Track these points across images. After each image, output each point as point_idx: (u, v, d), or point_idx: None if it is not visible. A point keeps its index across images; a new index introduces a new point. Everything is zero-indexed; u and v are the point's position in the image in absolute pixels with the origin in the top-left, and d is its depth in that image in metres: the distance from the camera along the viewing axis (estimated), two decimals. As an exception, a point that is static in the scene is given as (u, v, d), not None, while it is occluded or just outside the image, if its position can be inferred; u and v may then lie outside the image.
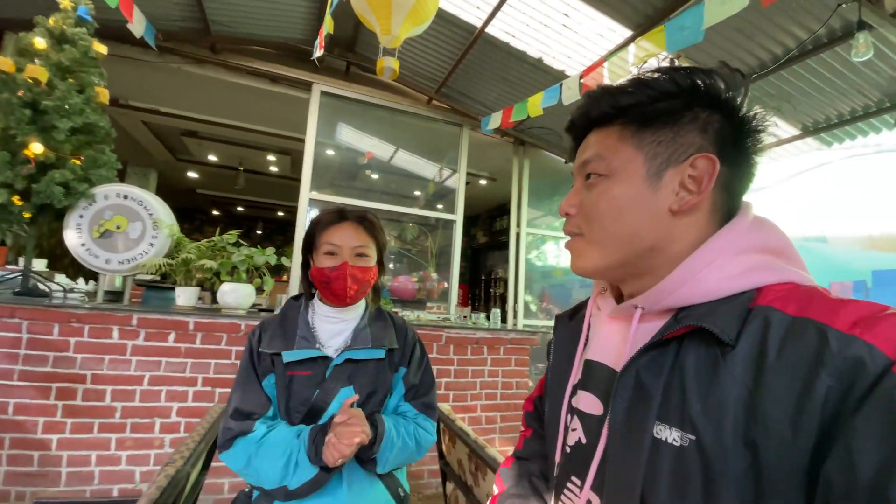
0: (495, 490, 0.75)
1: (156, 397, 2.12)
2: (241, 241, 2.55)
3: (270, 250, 2.51)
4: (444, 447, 1.42)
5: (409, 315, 3.12)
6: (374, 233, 1.13)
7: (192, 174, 6.69)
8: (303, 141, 3.40)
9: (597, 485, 0.50)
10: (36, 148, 2.03)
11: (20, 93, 2.04)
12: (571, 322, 0.69)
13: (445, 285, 3.83)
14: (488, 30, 2.88)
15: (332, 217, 1.10)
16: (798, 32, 2.34)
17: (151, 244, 2.33)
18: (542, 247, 4.94)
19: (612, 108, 0.53)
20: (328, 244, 1.07)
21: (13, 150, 2.03)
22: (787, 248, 0.50)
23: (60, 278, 2.55)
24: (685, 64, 0.52)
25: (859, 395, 0.34)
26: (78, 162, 2.18)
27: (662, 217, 0.50)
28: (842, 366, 0.35)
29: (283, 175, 6.40)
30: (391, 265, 4.12)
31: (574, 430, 0.58)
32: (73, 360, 2.02)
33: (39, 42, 2.14)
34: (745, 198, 0.53)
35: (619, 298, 0.60)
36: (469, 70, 3.35)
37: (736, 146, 0.50)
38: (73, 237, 2.21)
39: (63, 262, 2.83)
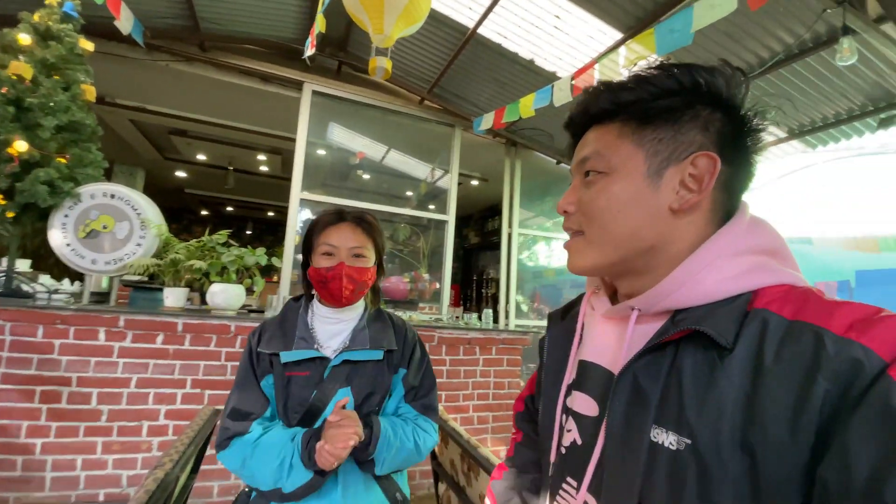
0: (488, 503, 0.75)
1: (143, 400, 2.09)
2: (231, 242, 2.53)
3: (261, 250, 2.49)
4: (436, 448, 1.42)
5: (401, 316, 3.11)
6: (373, 234, 1.12)
7: (180, 173, 6.61)
8: (293, 140, 3.38)
9: (594, 486, 0.50)
10: (20, 146, 1.99)
11: (3, 90, 2.00)
12: (564, 320, 0.68)
13: (437, 286, 3.84)
14: (480, 31, 2.89)
15: (331, 218, 1.10)
16: (785, 37, 2.38)
17: (139, 244, 2.29)
18: (533, 247, 4.96)
19: (613, 105, 0.52)
20: (325, 245, 1.07)
21: (-4, 148, 1.99)
22: (782, 249, 0.50)
23: (45, 279, 2.50)
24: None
25: (855, 397, 0.34)
26: (63, 160, 2.14)
27: (662, 216, 0.49)
28: (838, 369, 0.35)
29: (273, 175, 6.35)
30: (383, 266, 4.10)
31: (569, 430, 0.57)
32: (58, 362, 1.98)
33: (24, 38, 2.10)
34: (743, 197, 0.53)
35: (613, 297, 0.60)
36: (461, 71, 3.35)
37: (736, 145, 0.50)
38: (58, 237, 2.17)
39: (48, 262, 2.77)
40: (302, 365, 1.05)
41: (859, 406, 0.34)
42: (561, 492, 0.57)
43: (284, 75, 3.36)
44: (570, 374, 0.61)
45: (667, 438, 0.43)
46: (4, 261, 2.28)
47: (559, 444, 0.59)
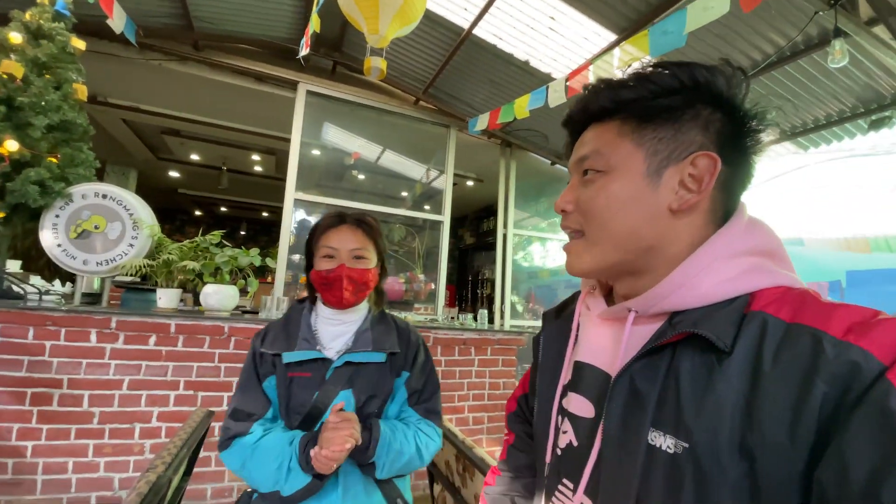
0: None
1: (136, 402, 2.07)
2: (225, 242, 2.51)
3: (255, 251, 2.48)
4: (431, 448, 1.42)
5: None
6: (373, 236, 1.13)
7: (173, 174, 6.56)
8: (288, 141, 3.36)
9: (590, 489, 0.50)
10: (10, 146, 1.97)
11: (-7, 88, 1.97)
12: (559, 320, 0.68)
13: (433, 286, 3.83)
14: (475, 31, 2.89)
15: (331, 221, 1.12)
16: (777, 39, 2.41)
17: (131, 245, 2.27)
18: (528, 248, 4.97)
19: (612, 103, 0.52)
20: (326, 247, 1.09)
21: (-14, 148, 1.97)
22: (779, 250, 0.50)
23: (35, 280, 2.47)
24: None
25: (853, 399, 0.34)
26: (54, 160, 2.12)
27: (662, 216, 0.49)
28: (837, 372, 0.35)
29: (267, 175, 6.32)
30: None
31: (565, 432, 0.57)
32: (49, 364, 1.96)
33: (15, 37, 2.07)
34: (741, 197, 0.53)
35: (608, 296, 0.60)
36: (456, 71, 3.35)
37: (736, 145, 0.49)
38: (49, 237, 2.15)
39: (38, 263, 2.74)
40: (304, 366, 1.05)
41: (857, 408, 0.34)
42: (557, 493, 0.56)
43: (279, 75, 3.34)
44: (565, 375, 0.60)
45: (664, 442, 0.43)
46: (-6, 261, 2.25)
47: (555, 446, 0.59)
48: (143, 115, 4.12)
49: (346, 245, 1.08)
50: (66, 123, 2.17)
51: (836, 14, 2.13)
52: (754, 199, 0.54)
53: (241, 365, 2.24)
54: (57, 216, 2.16)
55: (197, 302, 2.49)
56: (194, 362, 2.17)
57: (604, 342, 0.56)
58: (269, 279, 4.30)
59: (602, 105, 0.53)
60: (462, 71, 3.34)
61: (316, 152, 3.67)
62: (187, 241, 2.43)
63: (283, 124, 3.56)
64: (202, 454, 2.06)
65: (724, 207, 0.51)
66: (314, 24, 2.12)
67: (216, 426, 2.16)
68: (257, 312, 2.62)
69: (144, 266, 2.25)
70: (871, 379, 0.34)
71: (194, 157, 5.77)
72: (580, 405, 0.56)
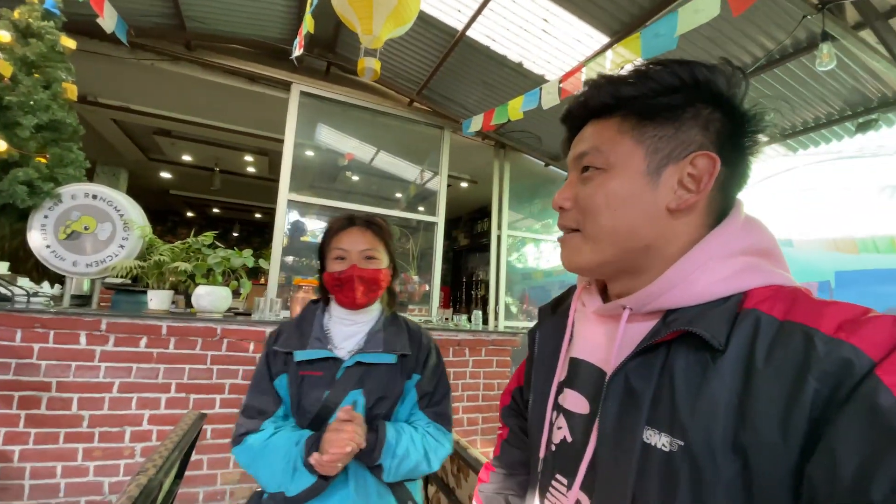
0: None
1: (126, 405, 2.04)
2: (217, 243, 2.49)
3: (248, 252, 2.46)
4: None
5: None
6: (383, 236, 1.15)
7: (165, 174, 6.50)
8: (281, 141, 3.35)
9: (586, 485, 0.50)
10: (-2, 145, 1.94)
11: (-19, 87, 1.95)
12: (554, 315, 0.68)
13: (427, 287, 3.83)
14: (469, 33, 2.90)
15: (341, 223, 1.14)
16: (766, 42, 2.44)
17: (122, 246, 2.25)
18: (522, 249, 4.98)
19: (613, 99, 0.51)
20: (337, 249, 1.11)
21: (-27, 148, 1.94)
22: (774, 249, 0.50)
23: (23, 282, 2.43)
24: None
25: (843, 396, 0.35)
26: (43, 160, 2.09)
27: (660, 215, 0.49)
28: (828, 369, 0.36)
29: (260, 176, 6.28)
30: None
31: (559, 428, 0.57)
32: (37, 367, 1.93)
33: (3, 35, 2.05)
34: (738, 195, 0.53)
35: (604, 292, 0.60)
36: (450, 73, 3.36)
37: (734, 146, 0.49)
38: (38, 238, 2.12)
39: (26, 264, 2.70)
40: (315, 365, 1.06)
41: (847, 405, 0.34)
42: (551, 489, 0.56)
43: (272, 76, 3.33)
44: (560, 372, 0.60)
45: (659, 440, 0.43)
46: (-19, 263, 2.22)
47: (549, 441, 0.59)
48: (134, 115, 4.08)
49: (356, 246, 1.10)
50: (55, 123, 2.14)
51: (824, 18, 2.16)
52: (744, 201, 0.54)
53: (233, 367, 2.24)
54: (46, 217, 2.14)
55: (189, 304, 2.47)
56: (186, 364, 2.15)
57: (599, 339, 0.56)
58: (263, 281, 4.27)
59: (602, 101, 0.52)
60: (456, 72, 3.35)
61: (309, 153, 3.66)
62: (179, 242, 2.41)
63: (277, 125, 3.54)
64: (194, 457, 2.04)
65: (721, 207, 0.51)
66: (308, 24, 2.12)
67: (208, 429, 2.16)
68: (250, 314, 2.60)
69: (135, 267, 2.22)
70: (861, 375, 0.34)
71: (186, 157, 5.72)
72: (575, 401, 0.56)
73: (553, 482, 0.56)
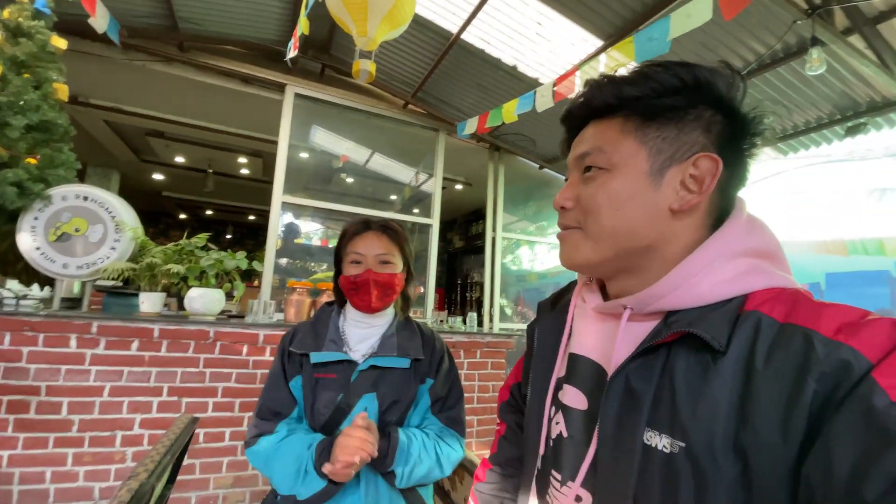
0: None
1: (117, 409, 2.02)
2: (210, 245, 2.47)
3: (241, 254, 2.44)
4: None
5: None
6: (399, 241, 1.15)
7: (157, 176, 6.45)
8: (275, 143, 3.33)
9: (587, 483, 0.50)
10: (-13, 146, 1.92)
11: (-30, 87, 1.92)
12: (554, 311, 0.68)
13: (422, 290, 3.82)
14: (464, 36, 2.91)
15: (357, 228, 1.15)
16: (757, 47, 2.47)
17: (113, 248, 2.22)
18: (517, 251, 5.00)
19: (616, 99, 0.51)
20: (353, 253, 1.11)
21: (-39, 148, 1.91)
22: (777, 251, 0.50)
23: (13, 284, 2.40)
24: None
25: (840, 397, 0.35)
26: (33, 161, 2.07)
27: (662, 216, 0.49)
28: (827, 370, 0.36)
29: (254, 178, 6.25)
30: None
31: (557, 423, 0.57)
32: (26, 370, 1.90)
33: (-8, 34, 2.03)
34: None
35: (603, 289, 0.60)
36: (445, 75, 3.37)
37: (734, 148, 0.50)
38: (28, 240, 2.09)
39: (16, 267, 2.67)
40: (330, 367, 1.07)
41: (843, 405, 0.34)
42: (550, 489, 0.57)
43: (266, 77, 3.32)
44: (560, 368, 0.60)
45: (660, 441, 0.43)
46: (-31, 265, 2.18)
47: (548, 437, 0.59)
48: (126, 116, 4.05)
49: (372, 251, 1.11)
50: (45, 124, 2.12)
51: (814, 23, 2.19)
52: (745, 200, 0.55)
53: (226, 370, 2.22)
54: (36, 218, 2.11)
55: (181, 306, 2.45)
56: (178, 368, 2.13)
57: (598, 336, 0.56)
58: (256, 283, 4.24)
59: (605, 101, 0.52)
60: (451, 75, 3.36)
61: (304, 155, 3.64)
62: (171, 244, 2.39)
63: (271, 127, 3.52)
64: (186, 461, 2.02)
65: (720, 208, 0.51)
66: (302, 26, 2.11)
67: (201, 433, 2.13)
68: (243, 317, 2.59)
69: (127, 269, 2.20)
70: (859, 377, 0.35)
71: (179, 159, 5.68)
72: (574, 397, 0.56)
73: (550, 478, 0.57)
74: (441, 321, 3.28)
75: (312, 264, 4.19)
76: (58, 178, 2.16)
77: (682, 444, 0.41)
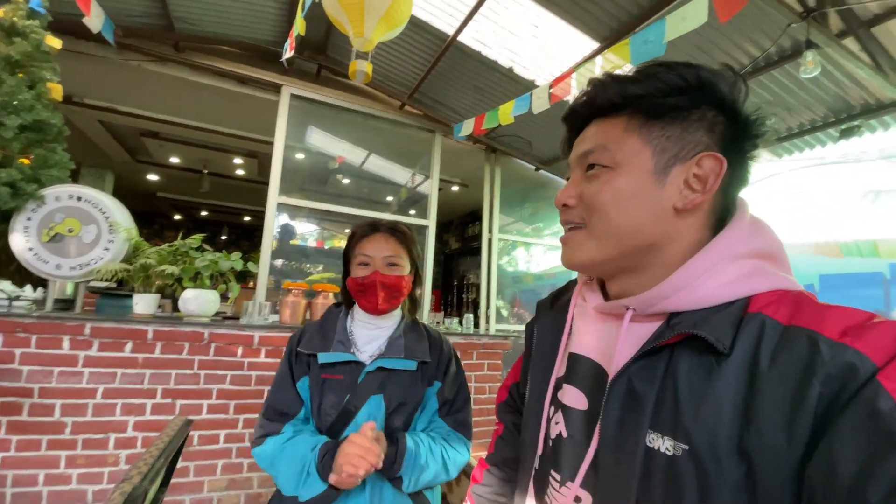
0: None
1: (110, 411, 2.00)
2: (205, 246, 2.46)
3: (236, 255, 2.43)
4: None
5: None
6: (406, 243, 1.16)
7: (152, 176, 6.42)
8: (271, 144, 3.32)
9: (587, 484, 0.50)
10: (-21, 146, 1.90)
11: (-38, 87, 1.91)
12: (553, 310, 0.67)
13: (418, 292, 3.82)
14: (460, 38, 2.91)
15: (366, 230, 1.16)
16: (751, 50, 2.48)
17: (107, 248, 2.21)
18: (513, 252, 5.00)
19: (620, 97, 0.51)
20: (361, 255, 1.12)
21: (-47, 148, 1.90)
22: (780, 253, 0.50)
23: (5, 285, 2.38)
24: None
25: (845, 400, 0.35)
26: (27, 161, 2.05)
27: (666, 214, 0.49)
28: (833, 373, 0.36)
29: (250, 178, 6.23)
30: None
31: (556, 423, 0.57)
32: (19, 372, 1.88)
33: (-15, 33, 2.01)
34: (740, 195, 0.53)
35: (603, 289, 0.59)
36: (441, 77, 3.37)
37: (736, 149, 0.50)
38: (20, 241, 2.08)
39: (8, 268, 2.64)
40: (337, 368, 1.07)
41: (847, 408, 0.34)
42: (549, 489, 0.56)
43: (262, 78, 3.31)
44: (559, 368, 0.60)
45: (663, 444, 0.43)
46: (-40, 266, 2.16)
47: (546, 437, 0.59)
48: (120, 116, 4.02)
49: (379, 252, 1.11)
50: (39, 123, 2.10)
51: (808, 26, 2.20)
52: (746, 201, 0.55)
53: (221, 372, 2.21)
54: (29, 219, 2.09)
55: (175, 307, 2.43)
56: (172, 369, 2.12)
57: (599, 336, 0.56)
58: (251, 284, 4.22)
59: (610, 99, 0.52)
60: (447, 77, 3.36)
61: (300, 156, 3.63)
62: (166, 244, 2.37)
63: (267, 127, 3.51)
64: (180, 464, 2.01)
65: (722, 209, 0.51)
66: (299, 27, 2.11)
67: (195, 435, 2.12)
68: (238, 318, 2.57)
69: (121, 270, 2.19)
70: (864, 380, 0.35)
71: (174, 159, 5.65)
72: (574, 397, 0.56)
73: (549, 478, 0.56)
74: (437, 323, 3.28)
75: (308, 266, 4.17)
76: (51, 179, 2.14)
77: (685, 447, 0.41)
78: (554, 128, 3.77)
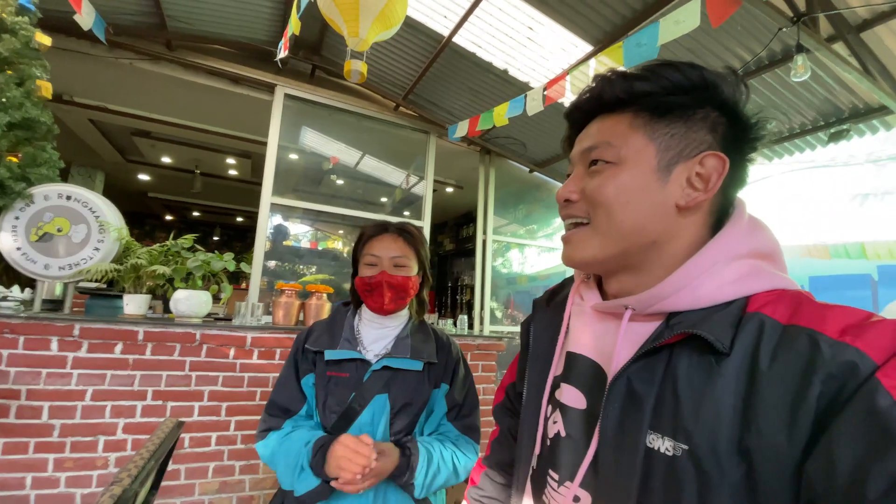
0: None
1: (100, 413, 1.97)
2: (197, 246, 2.43)
3: (229, 255, 2.41)
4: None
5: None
6: (415, 244, 1.16)
7: (143, 176, 6.36)
8: (264, 144, 3.31)
9: (587, 484, 0.50)
10: (-34, 143, 1.87)
11: (-51, 83, 1.88)
12: (550, 308, 0.67)
13: (411, 292, 3.81)
14: (455, 39, 2.92)
15: (374, 230, 1.16)
16: (743, 54, 2.51)
17: (97, 248, 2.18)
18: (507, 254, 5.01)
19: (627, 94, 0.52)
20: (369, 255, 1.12)
21: (-61, 146, 1.86)
22: (777, 253, 0.51)
23: (-8, 286, 2.34)
24: None
25: (845, 398, 0.35)
26: (15, 159, 2.02)
27: (668, 212, 0.49)
28: (833, 371, 0.36)
29: (242, 179, 6.19)
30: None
31: (555, 422, 0.57)
32: (6, 374, 1.85)
33: (-27, 30, 1.98)
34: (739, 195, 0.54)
35: (600, 287, 0.59)
36: (436, 78, 3.37)
37: (737, 150, 0.51)
38: (8, 241, 2.04)
39: (-5, 268, 2.61)
40: (343, 366, 1.08)
41: (847, 406, 0.35)
42: (547, 489, 0.56)
43: (256, 77, 3.29)
44: (557, 366, 0.60)
45: (663, 444, 0.43)
46: (-54, 266, 2.12)
47: (544, 436, 0.58)
48: (111, 115, 3.98)
49: (387, 253, 1.12)
50: (28, 121, 2.07)
51: (799, 31, 2.23)
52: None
53: (213, 374, 2.19)
54: (17, 218, 2.06)
55: (167, 308, 2.40)
56: (163, 371, 2.09)
57: (597, 335, 0.56)
58: (244, 285, 4.19)
59: (616, 95, 0.53)
60: (442, 78, 3.36)
61: (293, 156, 3.62)
62: (157, 245, 2.35)
63: (260, 127, 3.49)
64: (171, 467, 1.98)
65: (721, 208, 0.52)
66: (294, 26, 2.10)
67: (186, 437, 2.10)
68: (231, 319, 2.55)
69: (111, 271, 2.16)
70: (864, 378, 0.35)
71: (165, 159, 5.61)
72: (572, 396, 0.55)
73: (547, 478, 0.56)
74: (432, 324, 3.27)
75: (301, 266, 4.15)
76: (40, 177, 2.11)
77: (685, 447, 0.41)
78: (548, 130, 3.79)
